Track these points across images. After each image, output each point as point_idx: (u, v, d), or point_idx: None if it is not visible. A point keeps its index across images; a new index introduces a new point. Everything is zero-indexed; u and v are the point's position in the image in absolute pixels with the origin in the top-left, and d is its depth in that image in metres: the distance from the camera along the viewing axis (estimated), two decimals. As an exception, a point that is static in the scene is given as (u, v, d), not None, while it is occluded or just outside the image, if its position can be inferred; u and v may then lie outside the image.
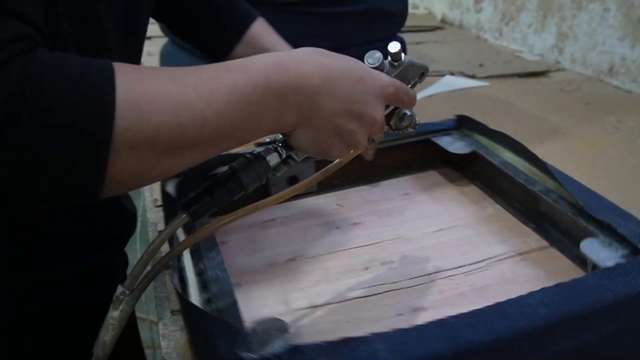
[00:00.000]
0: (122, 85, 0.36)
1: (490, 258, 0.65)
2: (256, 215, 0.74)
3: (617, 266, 0.51)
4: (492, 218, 0.73)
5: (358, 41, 1.35)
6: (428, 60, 1.76)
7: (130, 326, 0.74)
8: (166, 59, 1.48)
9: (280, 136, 0.50)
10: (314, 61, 0.46)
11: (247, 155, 0.47)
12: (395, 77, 0.53)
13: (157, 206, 0.99)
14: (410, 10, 1.44)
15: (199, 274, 0.56)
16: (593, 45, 1.56)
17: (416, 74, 0.56)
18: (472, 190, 0.80)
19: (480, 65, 1.70)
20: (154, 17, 0.75)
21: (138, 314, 0.80)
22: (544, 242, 0.66)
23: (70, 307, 0.63)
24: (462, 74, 1.59)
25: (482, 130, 0.81)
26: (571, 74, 1.63)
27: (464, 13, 2.24)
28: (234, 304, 0.51)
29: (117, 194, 0.41)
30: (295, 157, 0.49)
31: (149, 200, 1.09)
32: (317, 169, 0.77)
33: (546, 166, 0.67)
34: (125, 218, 0.70)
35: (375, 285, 0.62)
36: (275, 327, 0.48)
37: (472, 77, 1.57)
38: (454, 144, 0.82)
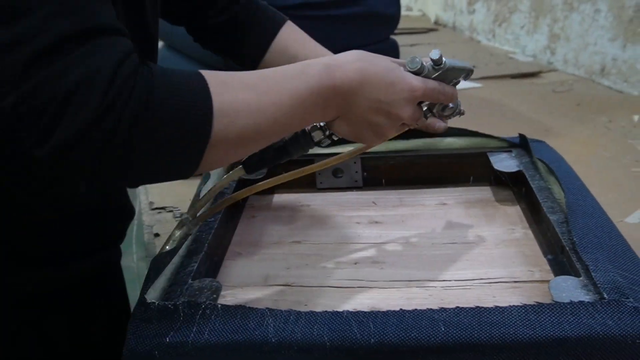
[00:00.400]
0: (215, 97, 0.45)
1: (481, 279, 0.63)
2: (296, 200, 0.82)
3: (553, 305, 0.48)
4: (514, 242, 0.70)
5: (352, 44, 1.37)
6: (422, 62, 1.78)
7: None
8: (161, 63, 1.49)
9: None
10: (355, 67, 0.54)
11: (298, 132, 0.57)
12: (436, 78, 0.58)
13: (153, 209, 1.00)
14: (404, 12, 1.46)
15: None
16: (585, 45, 1.58)
17: (459, 74, 0.62)
18: (514, 211, 0.77)
19: (474, 66, 1.71)
20: (188, 32, 0.81)
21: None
22: (550, 276, 0.63)
23: (66, 308, 0.63)
24: (456, 76, 1.61)
25: (539, 150, 0.78)
26: (563, 75, 1.64)
27: (457, 15, 2.26)
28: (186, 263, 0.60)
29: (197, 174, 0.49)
30: (334, 137, 0.58)
31: (144, 203, 1.10)
32: (363, 164, 0.83)
33: (564, 192, 0.65)
34: (125, 218, 0.71)
35: (351, 280, 0.63)
36: (210, 287, 0.56)
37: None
38: (505, 162, 0.79)
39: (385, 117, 0.57)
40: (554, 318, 0.46)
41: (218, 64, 1.20)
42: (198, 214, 0.59)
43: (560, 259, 0.63)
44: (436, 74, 0.58)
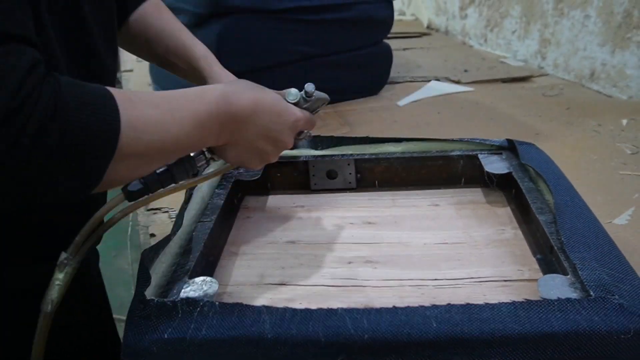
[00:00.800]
0: (123, 111, 0.45)
1: (472, 278, 0.64)
2: (290, 201, 0.84)
3: (541, 302, 0.50)
4: (504, 242, 0.71)
5: (346, 47, 1.38)
6: (414, 66, 1.79)
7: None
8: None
9: None
10: (249, 96, 0.59)
11: (182, 156, 0.57)
12: (306, 108, 0.67)
13: (148, 210, 1.00)
14: (397, 17, 1.48)
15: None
16: (575, 51, 1.60)
17: (321, 103, 0.70)
18: (504, 212, 0.78)
19: (465, 70, 1.73)
20: None
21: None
22: (539, 274, 0.63)
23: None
24: (448, 80, 1.62)
25: (529, 152, 0.79)
26: (554, 79, 1.66)
27: (450, 19, 2.28)
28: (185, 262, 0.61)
29: (97, 192, 0.48)
30: (215, 159, 0.61)
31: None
32: (356, 165, 0.85)
33: (552, 193, 0.66)
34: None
35: (345, 279, 0.64)
36: (207, 285, 0.57)
37: (457, 82, 1.60)
38: (495, 164, 0.81)
39: (273, 144, 0.63)
40: (542, 314, 0.48)
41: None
42: (77, 251, 0.55)
43: (549, 259, 0.64)
44: (307, 105, 0.67)
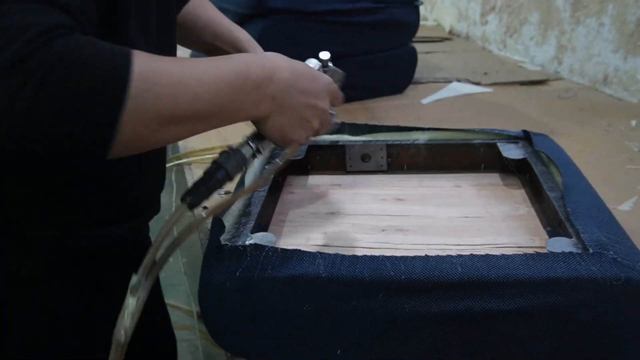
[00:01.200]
0: (139, 62, 0.44)
1: (490, 244, 0.74)
2: (329, 180, 0.93)
3: (548, 254, 0.59)
4: (519, 217, 0.80)
5: (375, 48, 1.49)
6: (436, 69, 1.89)
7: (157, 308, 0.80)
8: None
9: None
10: (283, 60, 0.58)
11: (227, 150, 0.57)
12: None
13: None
14: (421, 22, 1.58)
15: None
16: (589, 56, 1.69)
17: (338, 78, 0.70)
18: (519, 194, 0.87)
19: (485, 73, 1.83)
20: None
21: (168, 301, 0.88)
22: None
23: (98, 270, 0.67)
24: (468, 81, 1.72)
25: (542, 142, 0.89)
26: (569, 83, 1.76)
27: (471, 26, 2.38)
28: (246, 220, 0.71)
29: (120, 156, 0.47)
30: (261, 150, 0.60)
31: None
32: (388, 150, 0.93)
33: (561, 174, 0.76)
34: (159, 189, 0.76)
35: (379, 242, 0.75)
36: (267, 238, 0.66)
37: (478, 84, 1.70)
38: (512, 151, 0.90)
39: (314, 109, 0.60)
40: (548, 264, 0.58)
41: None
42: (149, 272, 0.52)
43: (557, 230, 0.74)
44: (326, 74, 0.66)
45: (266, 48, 1.32)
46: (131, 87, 0.43)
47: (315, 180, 0.95)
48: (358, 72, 1.48)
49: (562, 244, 0.64)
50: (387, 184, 0.92)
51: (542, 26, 1.91)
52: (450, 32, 2.53)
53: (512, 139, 0.95)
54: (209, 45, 0.85)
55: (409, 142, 0.94)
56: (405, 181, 0.93)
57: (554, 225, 0.75)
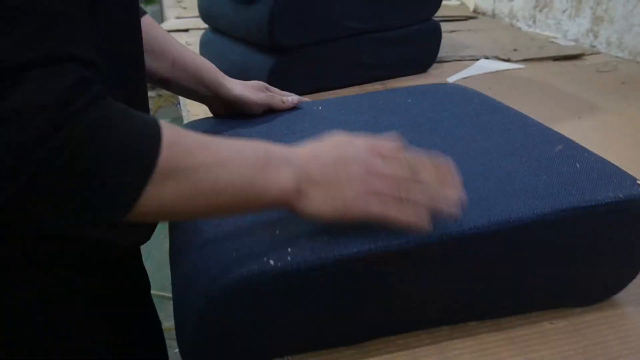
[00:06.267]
0: (166, 130, 0.44)
1: None
2: None
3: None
4: None
5: (396, 24, 1.39)
6: (462, 47, 1.78)
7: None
8: (206, 46, 1.52)
9: None
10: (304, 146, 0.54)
11: None
12: None
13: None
14: (443, 2, 1.47)
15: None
16: (629, 27, 1.57)
17: None
18: None
19: (515, 50, 1.71)
20: None
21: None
22: None
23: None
24: (497, 58, 1.61)
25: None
26: (607, 57, 1.63)
27: (497, 2, 2.25)
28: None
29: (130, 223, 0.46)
30: None
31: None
32: None
33: None
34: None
35: None
36: None
37: (507, 60, 1.58)
38: None
39: (357, 165, 0.51)
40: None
41: (263, 42, 1.23)
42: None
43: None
44: None
45: (280, 24, 1.22)
46: (162, 153, 0.43)
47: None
48: (378, 49, 1.38)
49: None
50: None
51: (575, -3, 1.79)
52: (474, 11, 2.41)
53: None
54: (167, 72, 0.78)
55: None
56: None
57: None
